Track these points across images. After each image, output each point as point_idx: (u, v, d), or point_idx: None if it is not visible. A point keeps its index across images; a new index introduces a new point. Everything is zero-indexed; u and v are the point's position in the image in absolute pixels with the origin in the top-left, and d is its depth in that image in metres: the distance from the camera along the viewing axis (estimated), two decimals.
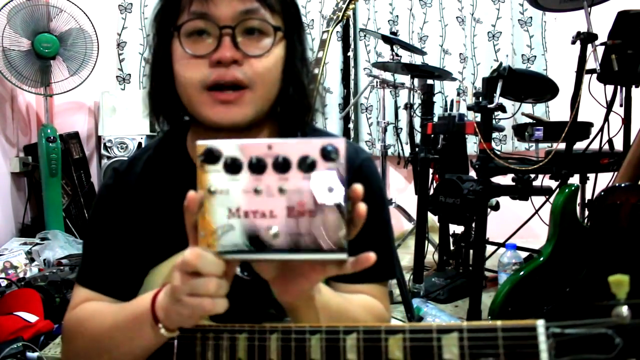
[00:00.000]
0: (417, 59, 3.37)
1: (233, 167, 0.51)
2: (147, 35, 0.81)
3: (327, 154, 0.49)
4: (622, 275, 0.44)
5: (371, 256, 0.51)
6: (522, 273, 1.52)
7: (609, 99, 2.04)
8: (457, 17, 3.53)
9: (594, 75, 1.93)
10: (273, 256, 0.51)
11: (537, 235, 2.61)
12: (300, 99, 0.80)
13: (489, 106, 1.98)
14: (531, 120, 2.40)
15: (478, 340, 0.47)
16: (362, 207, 0.51)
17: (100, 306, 0.77)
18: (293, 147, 0.50)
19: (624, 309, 0.43)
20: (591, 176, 2.32)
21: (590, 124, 2.21)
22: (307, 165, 0.49)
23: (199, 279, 0.56)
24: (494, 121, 2.11)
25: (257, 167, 0.50)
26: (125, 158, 0.87)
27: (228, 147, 0.51)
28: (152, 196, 0.80)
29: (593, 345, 0.43)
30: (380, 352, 0.51)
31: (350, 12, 1.97)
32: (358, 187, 0.51)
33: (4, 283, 2.21)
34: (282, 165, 0.50)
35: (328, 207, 0.49)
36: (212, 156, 0.51)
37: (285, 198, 0.50)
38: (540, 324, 0.45)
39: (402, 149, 3.17)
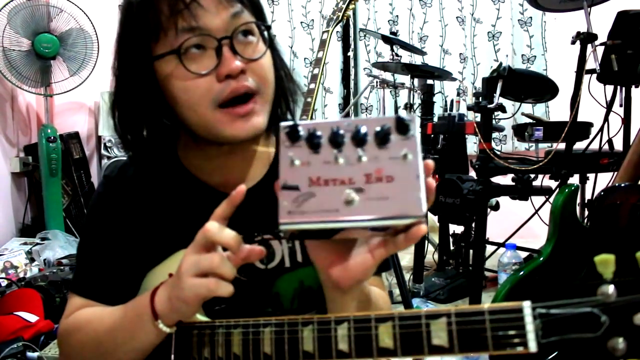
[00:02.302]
0: (417, 59, 3.37)
1: (314, 143, 0.54)
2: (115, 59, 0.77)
3: (402, 127, 0.52)
4: (607, 254, 0.44)
5: (423, 228, 0.51)
6: (522, 273, 1.52)
7: (608, 99, 2.05)
8: (457, 17, 3.53)
9: (594, 75, 1.93)
10: (354, 224, 0.52)
11: (537, 235, 2.61)
12: (293, 87, 0.81)
13: (489, 106, 1.98)
14: (531, 120, 2.40)
15: (466, 324, 0.47)
16: (432, 182, 0.53)
17: (97, 310, 0.77)
18: (370, 122, 0.53)
19: (610, 288, 0.43)
20: (591, 176, 2.32)
21: (590, 124, 2.21)
22: (383, 137, 0.52)
23: (206, 254, 0.59)
24: (494, 121, 2.11)
25: (336, 142, 0.53)
26: (125, 158, 0.86)
27: (309, 125, 0.55)
28: (145, 201, 0.80)
29: (580, 324, 0.44)
30: (370, 340, 0.52)
31: (350, 12, 1.97)
32: (430, 163, 0.53)
33: (4, 283, 2.22)
34: (359, 138, 0.53)
35: (406, 173, 0.51)
36: (295, 133, 0.54)
37: (363, 166, 0.52)
38: (526, 305, 0.45)
39: None
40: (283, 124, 0.55)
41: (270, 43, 0.75)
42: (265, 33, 0.74)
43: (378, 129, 0.52)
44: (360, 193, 0.51)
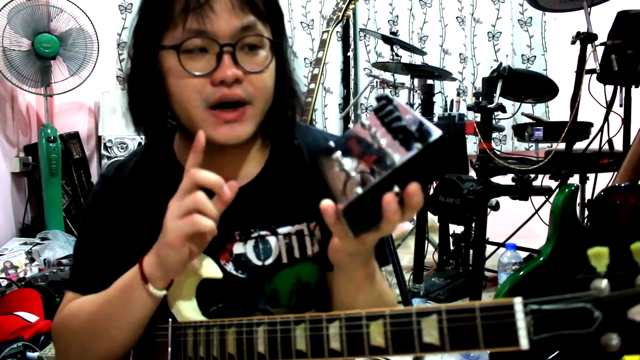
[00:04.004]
0: (417, 59, 3.37)
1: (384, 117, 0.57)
2: (128, 46, 0.78)
3: (422, 133, 0.49)
4: (601, 247, 0.43)
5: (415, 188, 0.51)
6: (522, 273, 1.52)
7: (608, 99, 2.05)
8: (457, 17, 3.53)
9: (594, 75, 1.93)
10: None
11: (537, 235, 2.61)
12: (294, 106, 0.81)
13: (489, 106, 1.98)
14: (531, 120, 2.40)
15: (457, 322, 0.47)
16: (389, 200, 0.51)
17: (89, 297, 0.77)
18: (410, 114, 0.54)
19: (603, 282, 0.42)
20: (591, 176, 2.32)
21: (590, 124, 2.21)
22: (399, 132, 0.51)
23: (189, 195, 0.62)
24: (494, 121, 2.11)
25: (389, 122, 0.55)
26: (123, 158, 0.86)
27: (397, 106, 0.58)
28: (140, 200, 0.80)
29: (572, 320, 0.43)
30: (362, 338, 0.52)
31: (350, 12, 1.97)
32: (414, 188, 0.51)
33: (4, 283, 2.22)
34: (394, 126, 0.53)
35: (370, 170, 0.52)
36: (384, 108, 0.58)
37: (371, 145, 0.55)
38: (517, 301, 0.44)
39: None
40: (381, 94, 0.60)
41: (280, 58, 0.76)
42: (274, 48, 0.74)
43: (405, 122, 0.52)
44: (356, 173, 0.54)
